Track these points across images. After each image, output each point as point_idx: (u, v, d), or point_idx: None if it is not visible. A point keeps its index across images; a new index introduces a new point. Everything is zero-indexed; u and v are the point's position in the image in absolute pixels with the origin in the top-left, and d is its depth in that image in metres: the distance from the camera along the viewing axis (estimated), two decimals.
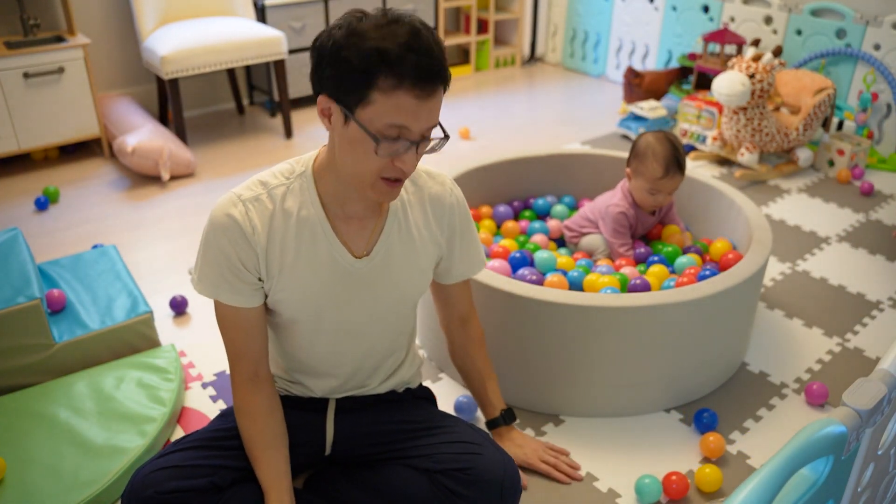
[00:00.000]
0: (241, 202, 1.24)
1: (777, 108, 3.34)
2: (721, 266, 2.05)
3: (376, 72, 1.09)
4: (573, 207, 2.54)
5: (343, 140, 1.17)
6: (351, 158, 1.18)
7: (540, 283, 1.93)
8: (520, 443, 1.66)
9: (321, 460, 1.49)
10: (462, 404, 1.81)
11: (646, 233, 2.31)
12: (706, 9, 4.04)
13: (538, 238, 2.29)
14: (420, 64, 1.09)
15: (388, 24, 1.10)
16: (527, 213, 2.50)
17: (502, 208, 2.44)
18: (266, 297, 1.31)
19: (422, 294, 1.43)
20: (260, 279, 1.27)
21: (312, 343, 1.36)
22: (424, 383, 1.82)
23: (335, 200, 1.27)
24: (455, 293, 1.54)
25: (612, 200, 2.20)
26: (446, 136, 1.20)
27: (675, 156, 2.08)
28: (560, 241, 2.40)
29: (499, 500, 1.33)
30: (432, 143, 1.19)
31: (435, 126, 1.18)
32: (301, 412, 1.44)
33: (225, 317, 1.30)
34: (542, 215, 2.51)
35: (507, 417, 1.65)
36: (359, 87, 1.11)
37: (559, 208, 2.47)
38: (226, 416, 1.43)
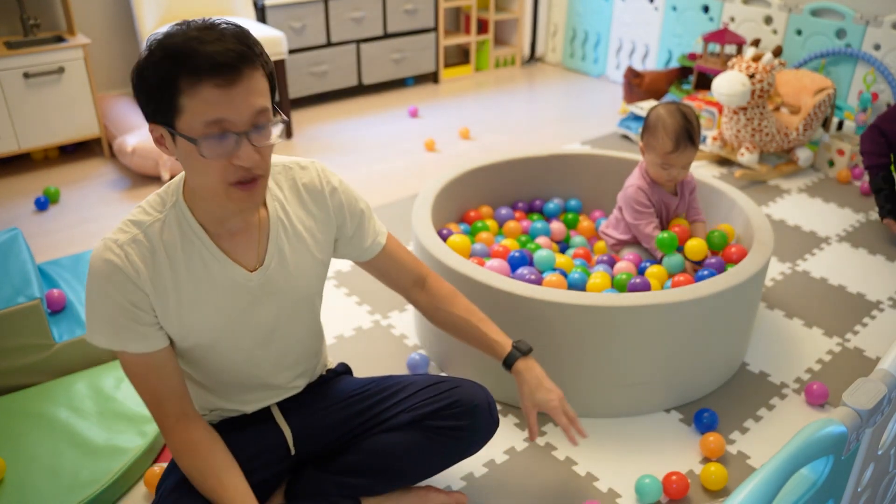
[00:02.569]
0: (117, 246, 1.16)
1: (777, 108, 3.33)
2: (724, 258, 2.04)
3: (175, 77, 1.05)
4: (580, 211, 2.55)
5: (182, 160, 1.12)
6: (195, 174, 1.14)
7: (539, 282, 1.92)
8: (548, 386, 1.45)
9: (291, 464, 1.45)
10: (415, 361, 1.96)
11: (670, 222, 2.22)
12: (706, 9, 4.04)
13: (541, 240, 2.28)
14: (213, 52, 1.03)
15: (183, 29, 1.06)
16: (534, 217, 2.50)
17: (504, 211, 2.44)
18: (169, 337, 1.24)
19: (324, 281, 1.40)
20: (156, 317, 1.21)
21: (232, 361, 1.33)
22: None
23: (213, 221, 1.22)
24: (385, 265, 1.47)
25: (630, 181, 2.16)
26: (281, 119, 1.14)
27: (687, 128, 2.01)
28: (563, 245, 2.39)
29: (489, 420, 1.42)
30: (270, 130, 1.12)
31: (265, 110, 1.10)
32: (249, 424, 1.41)
33: (135, 366, 1.22)
34: (550, 218, 2.51)
35: (521, 347, 1.47)
36: (166, 99, 1.07)
37: (586, 224, 2.46)
38: None
